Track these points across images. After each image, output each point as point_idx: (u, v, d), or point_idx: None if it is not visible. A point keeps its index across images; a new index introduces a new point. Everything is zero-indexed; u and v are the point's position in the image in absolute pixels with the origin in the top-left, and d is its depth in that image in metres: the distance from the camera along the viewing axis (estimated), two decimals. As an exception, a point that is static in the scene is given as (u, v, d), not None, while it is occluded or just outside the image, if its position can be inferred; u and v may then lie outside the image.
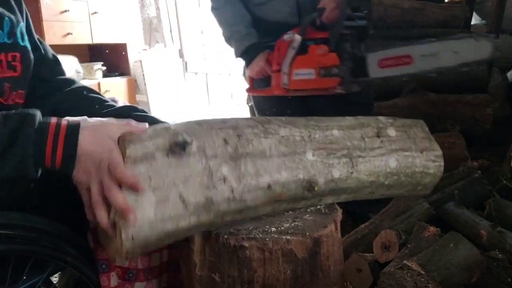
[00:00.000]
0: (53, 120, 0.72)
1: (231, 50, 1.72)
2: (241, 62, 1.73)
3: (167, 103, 4.49)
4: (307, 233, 0.85)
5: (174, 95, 4.61)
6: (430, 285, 1.10)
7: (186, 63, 4.86)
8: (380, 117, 1.04)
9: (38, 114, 0.72)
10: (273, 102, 1.70)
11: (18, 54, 0.91)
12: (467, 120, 2.31)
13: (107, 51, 4.26)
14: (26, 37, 0.95)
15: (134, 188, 0.70)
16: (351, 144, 0.94)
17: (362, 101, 1.64)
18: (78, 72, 3.76)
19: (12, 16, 0.91)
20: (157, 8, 4.73)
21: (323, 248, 0.86)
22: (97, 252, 0.88)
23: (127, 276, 0.90)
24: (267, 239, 0.82)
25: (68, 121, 0.73)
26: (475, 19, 3.17)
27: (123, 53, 4.30)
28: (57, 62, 1.08)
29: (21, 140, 0.68)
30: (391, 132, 1.00)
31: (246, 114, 2.97)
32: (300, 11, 1.60)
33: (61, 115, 0.96)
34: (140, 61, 4.34)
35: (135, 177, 0.71)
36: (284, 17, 1.52)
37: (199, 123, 0.82)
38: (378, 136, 0.98)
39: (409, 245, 1.34)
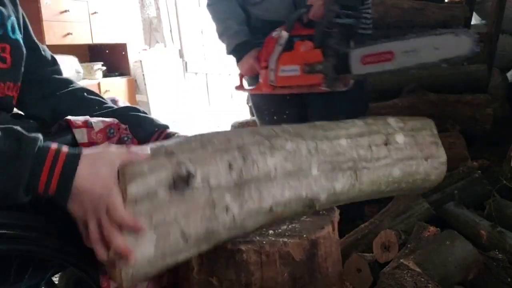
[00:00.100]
0: (53, 146, 0.68)
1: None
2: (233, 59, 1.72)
3: (167, 103, 4.49)
4: (304, 235, 0.85)
5: (174, 95, 4.61)
6: (430, 285, 1.10)
7: (186, 63, 4.86)
8: (390, 120, 1.02)
9: (39, 138, 0.69)
10: (271, 102, 1.70)
11: (7, 46, 0.90)
12: (467, 120, 2.31)
13: (107, 51, 4.26)
14: (17, 31, 0.94)
15: (134, 230, 0.68)
16: (358, 155, 0.92)
17: (357, 100, 1.63)
18: (78, 72, 3.76)
19: (3, 9, 0.91)
20: (157, 8, 4.73)
21: (321, 250, 0.86)
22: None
23: None
24: (264, 242, 0.82)
25: (68, 150, 0.69)
26: (475, 19, 3.17)
27: (123, 53, 4.30)
28: (55, 63, 1.08)
29: (16, 165, 0.65)
30: (400, 138, 0.99)
31: (246, 114, 2.97)
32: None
33: (61, 115, 0.96)
34: (140, 61, 4.34)
35: (136, 220, 0.67)
36: (281, 17, 1.52)
37: (203, 144, 0.77)
38: (386, 144, 0.96)
39: (409, 245, 1.34)
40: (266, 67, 1.51)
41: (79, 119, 0.93)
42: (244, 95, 2.93)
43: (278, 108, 1.69)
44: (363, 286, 1.34)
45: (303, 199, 0.85)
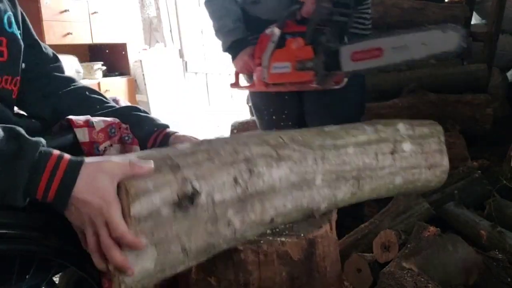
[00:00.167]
0: (55, 153, 0.67)
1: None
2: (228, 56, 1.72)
3: (167, 103, 4.49)
4: (302, 234, 0.85)
5: (174, 95, 4.61)
6: (430, 285, 1.10)
7: (186, 63, 4.86)
8: (400, 126, 1.01)
9: (40, 143, 0.68)
10: (271, 102, 1.69)
11: (4, 39, 0.90)
12: (467, 120, 2.32)
13: (107, 51, 4.26)
14: (14, 26, 0.93)
15: (135, 248, 0.66)
16: (363, 163, 0.92)
17: (355, 101, 1.62)
18: (78, 72, 3.76)
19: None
20: (157, 8, 4.73)
21: (319, 249, 0.86)
22: None
23: None
24: (262, 241, 0.82)
25: (69, 158, 0.67)
26: (475, 19, 3.17)
27: (123, 53, 4.30)
28: (57, 60, 1.08)
29: (15, 167, 0.64)
30: (407, 146, 0.99)
31: (246, 114, 2.97)
32: None
33: (61, 114, 0.96)
34: (140, 61, 4.34)
35: (137, 239, 0.65)
36: (278, 16, 1.51)
37: (210, 157, 0.75)
38: (392, 153, 0.96)
39: (409, 245, 1.34)
40: (260, 64, 1.50)
41: (80, 118, 0.93)
42: (244, 95, 2.94)
43: (277, 108, 1.69)
44: (363, 286, 1.34)
45: (303, 208, 0.85)
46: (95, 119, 0.94)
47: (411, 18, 2.55)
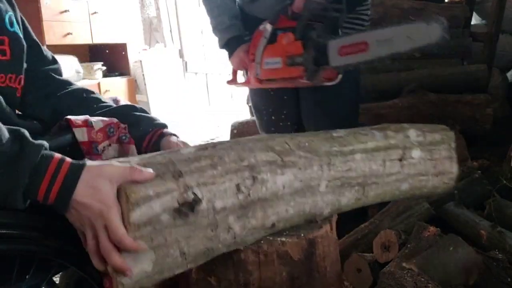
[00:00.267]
0: (57, 156, 0.68)
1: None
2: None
3: (167, 103, 4.49)
4: (302, 234, 0.85)
5: (174, 95, 4.62)
6: (430, 285, 1.10)
7: (186, 63, 4.87)
8: (411, 132, 0.99)
9: (43, 146, 0.68)
10: (270, 102, 1.70)
11: (6, 38, 0.90)
12: (467, 120, 2.32)
13: (107, 51, 4.26)
14: (16, 25, 0.94)
15: (134, 252, 0.67)
16: (369, 169, 0.91)
17: (351, 100, 1.62)
18: (78, 72, 3.76)
19: (0, 4, 0.91)
20: (157, 8, 4.73)
21: (319, 249, 0.86)
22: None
23: None
24: (262, 241, 0.82)
25: (71, 161, 0.68)
26: (475, 19, 3.17)
27: (123, 53, 4.30)
28: (56, 62, 1.09)
29: (17, 169, 0.65)
30: (416, 153, 0.97)
31: (246, 114, 2.97)
32: None
33: (61, 115, 0.96)
34: (140, 61, 4.35)
35: (135, 243, 0.66)
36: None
37: (214, 164, 0.75)
38: (400, 160, 0.95)
39: (409, 245, 1.34)
40: (254, 60, 1.50)
41: (79, 118, 0.94)
42: (244, 95, 2.94)
43: (277, 107, 1.69)
44: (363, 286, 1.34)
45: (306, 214, 0.85)
46: (93, 119, 0.94)
47: (411, 18, 2.55)
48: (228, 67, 1.72)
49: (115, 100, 1.09)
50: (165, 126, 1.05)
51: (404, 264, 1.16)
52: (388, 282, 1.13)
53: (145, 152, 0.97)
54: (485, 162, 2.05)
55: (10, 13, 0.93)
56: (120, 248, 0.66)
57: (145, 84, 4.37)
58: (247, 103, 2.66)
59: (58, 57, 1.12)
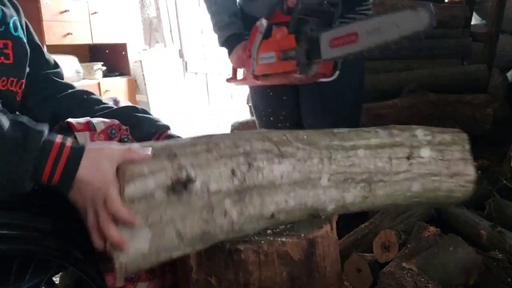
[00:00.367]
0: (58, 139, 0.71)
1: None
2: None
3: (167, 103, 4.49)
4: (302, 234, 0.85)
5: (174, 95, 4.61)
6: (430, 285, 1.10)
7: (186, 63, 4.86)
8: (418, 132, 0.95)
9: (45, 131, 0.72)
10: (269, 102, 1.69)
11: (9, 42, 0.91)
12: (467, 120, 2.32)
13: (107, 51, 4.26)
14: (20, 30, 0.95)
15: (129, 225, 0.70)
16: (374, 166, 0.87)
17: (348, 98, 1.60)
18: (78, 72, 3.76)
19: (5, 9, 0.92)
20: (157, 8, 4.73)
21: (319, 249, 0.86)
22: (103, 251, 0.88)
23: (129, 277, 0.90)
24: (262, 241, 0.82)
25: (72, 143, 0.72)
26: (475, 19, 3.17)
27: (123, 53, 4.30)
28: (57, 67, 1.10)
29: (22, 153, 0.68)
30: (425, 152, 0.92)
31: (246, 114, 2.97)
32: None
33: (61, 117, 0.97)
34: (140, 61, 4.34)
35: (130, 214, 0.70)
36: None
37: (209, 148, 0.77)
38: (408, 158, 0.90)
39: (409, 245, 1.34)
40: (250, 57, 1.50)
41: (80, 121, 0.94)
42: (244, 95, 2.94)
43: (276, 108, 1.69)
44: (363, 286, 1.34)
45: (308, 208, 0.84)
46: (95, 120, 0.94)
47: (411, 18, 2.54)
48: (228, 66, 1.72)
49: (115, 101, 1.09)
50: (168, 127, 1.05)
51: (404, 264, 1.16)
52: (388, 282, 1.13)
53: None
54: (485, 162, 2.05)
55: (15, 17, 0.94)
56: (117, 222, 0.70)
57: (145, 84, 4.36)
58: (247, 103, 2.66)
59: (58, 57, 1.12)
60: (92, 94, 1.08)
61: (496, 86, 2.84)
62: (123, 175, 0.70)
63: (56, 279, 1.19)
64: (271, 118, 1.70)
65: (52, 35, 3.51)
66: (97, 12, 3.90)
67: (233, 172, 0.76)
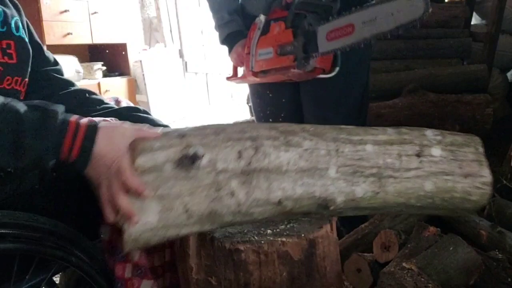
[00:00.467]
0: (74, 118, 0.75)
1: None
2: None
3: (167, 103, 4.49)
4: (302, 235, 0.85)
5: (174, 95, 4.61)
6: (430, 285, 1.10)
7: (186, 63, 4.86)
8: (428, 132, 0.93)
9: (60, 110, 0.75)
10: (267, 103, 1.69)
11: (12, 43, 0.93)
12: (467, 120, 2.32)
13: (107, 51, 4.26)
14: (21, 30, 0.96)
15: (139, 194, 0.74)
16: (384, 162, 0.86)
17: (353, 101, 1.58)
18: (78, 72, 3.75)
19: (6, 9, 0.94)
20: (157, 8, 4.73)
21: (319, 249, 0.86)
22: (115, 242, 0.90)
23: (136, 272, 0.91)
24: (262, 241, 0.82)
25: (88, 120, 0.76)
26: (475, 19, 3.17)
27: (123, 53, 4.30)
28: (57, 64, 1.11)
29: (43, 135, 0.72)
30: (436, 151, 0.90)
31: (246, 114, 2.97)
32: None
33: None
34: (140, 61, 4.34)
35: (140, 183, 0.74)
36: None
37: (217, 132, 0.81)
38: (418, 156, 0.88)
39: (409, 245, 1.34)
40: (249, 54, 1.50)
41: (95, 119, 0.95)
42: (244, 95, 2.94)
43: (274, 109, 1.68)
44: (363, 286, 1.34)
45: (316, 198, 0.83)
46: (96, 120, 0.95)
47: (411, 18, 2.54)
48: (228, 65, 1.71)
49: (117, 100, 1.10)
50: (168, 127, 1.06)
51: (404, 264, 1.15)
52: (388, 282, 1.13)
53: None
54: (485, 162, 2.05)
55: (16, 18, 0.96)
56: (128, 191, 0.74)
57: (145, 84, 4.36)
58: (247, 103, 2.66)
59: (58, 57, 1.12)
60: (94, 93, 1.09)
61: (496, 86, 2.84)
62: (135, 148, 0.76)
63: (56, 279, 1.19)
64: (270, 120, 1.70)
65: (52, 35, 3.51)
66: (97, 12, 3.90)
67: (239, 154, 0.79)
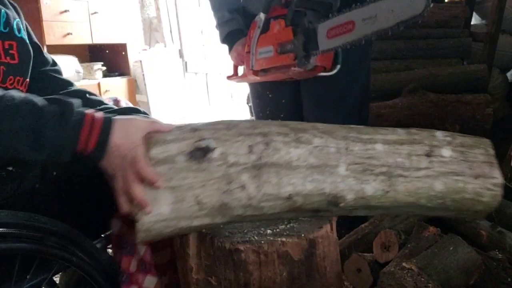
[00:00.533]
0: (89, 111, 0.78)
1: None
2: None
3: (167, 103, 4.49)
4: (303, 235, 0.85)
5: (174, 95, 4.61)
6: (430, 285, 1.10)
7: (186, 63, 4.85)
8: (438, 133, 0.94)
9: (76, 103, 0.77)
10: (267, 104, 1.69)
11: (14, 43, 0.95)
12: (467, 120, 2.32)
13: (107, 51, 4.26)
14: (23, 31, 0.98)
15: (152, 184, 0.76)
16: (394, 161, 0.86)
17: (353, 101, 1.58)
18: (78, 72, 3.75)
19: (7, 10, 0.95)
20: (157, 8, 4.73)
21: (319, 249, 0.86)
22: (123, 235, 0.91)
23: (141, 267, 0.91)
24: (263, 241, 0.82)
25: (103, 114, 0.78)
26: (475, 19, 3.17)
27: (123, 53, 4.30)
28: (56, 64, 1.12)
29: (63, 127, 0.74)
30: (446, 152, 0.90)
31: (246, 114, 2.97)
32: None
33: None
34: (140, 61, 4.34)
35: (154, 173, 0.76)
36: None
37: (229, 127, 0.82)
38: (428, 156, 0.89)
39: (409, 245, 1.34)
40: (249, 52, 1.49)
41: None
42: (244, 95, 2.94)
43: (274, 110, 1.68)
44: (363, 286, 1.34)
45: (326, 195, 0.83)
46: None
47: (411, 18, 2.54)
48: (229, 65, 1.71)
49: (116, 101, 1.10)
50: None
51: (404, 264, 1.16)
52: (388, 282, 1.13)
53: None
54: (485, 162, 2.05)
55: (17, 19, 0.98)
56: (142, 181, 0.76)
57: (145, 84, 4.36)
58: (247, 103, 2.66)
59: (58, 57, 1.13)
60: (94, 94, 1.10)
61: (496, 86, 2.84)
62: (149, 141, 0.78)
63: (56, 279, 1.19)
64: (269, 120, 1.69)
65: (52, 35, 3.51)
66: (97, 12, 3.90)
67: (250, 148, 0.81)
